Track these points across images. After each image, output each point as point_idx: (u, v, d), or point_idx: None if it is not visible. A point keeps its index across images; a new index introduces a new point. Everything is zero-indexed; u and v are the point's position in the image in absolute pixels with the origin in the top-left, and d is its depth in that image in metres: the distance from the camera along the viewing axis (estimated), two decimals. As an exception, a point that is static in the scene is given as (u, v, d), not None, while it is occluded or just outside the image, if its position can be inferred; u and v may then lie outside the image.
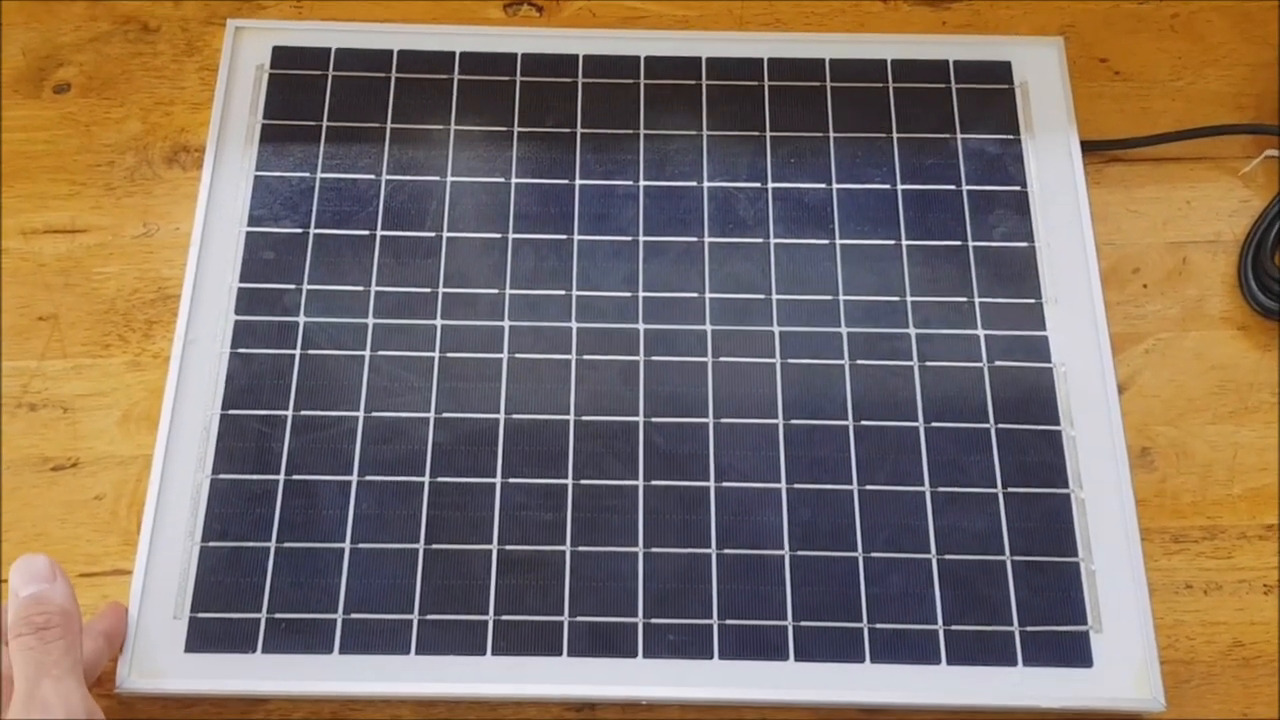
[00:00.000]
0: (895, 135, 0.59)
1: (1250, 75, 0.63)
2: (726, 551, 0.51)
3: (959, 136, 0.59)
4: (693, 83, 0.60)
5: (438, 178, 0.58)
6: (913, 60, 0.61)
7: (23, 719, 0.41)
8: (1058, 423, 0.53)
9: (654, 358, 0.55)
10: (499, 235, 0.57)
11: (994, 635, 0.50)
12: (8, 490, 0.53)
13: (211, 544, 0.51)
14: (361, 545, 0.51)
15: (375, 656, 0.49)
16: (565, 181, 0.58)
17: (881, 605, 0.50)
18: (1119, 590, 0.51)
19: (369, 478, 0.52)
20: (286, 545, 0.51)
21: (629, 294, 0.56)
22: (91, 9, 0.63)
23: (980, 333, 0.55)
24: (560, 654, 0.49)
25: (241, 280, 0.56)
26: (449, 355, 0.54)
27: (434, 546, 0.51)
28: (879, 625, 0.50)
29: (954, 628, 0.50)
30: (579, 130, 0.59)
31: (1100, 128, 0.61)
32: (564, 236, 0.57)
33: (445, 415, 0.53)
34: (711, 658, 0.50)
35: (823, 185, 0.58)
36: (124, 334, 0.56)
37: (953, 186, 0.58)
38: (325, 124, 0.59)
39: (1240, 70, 0.63)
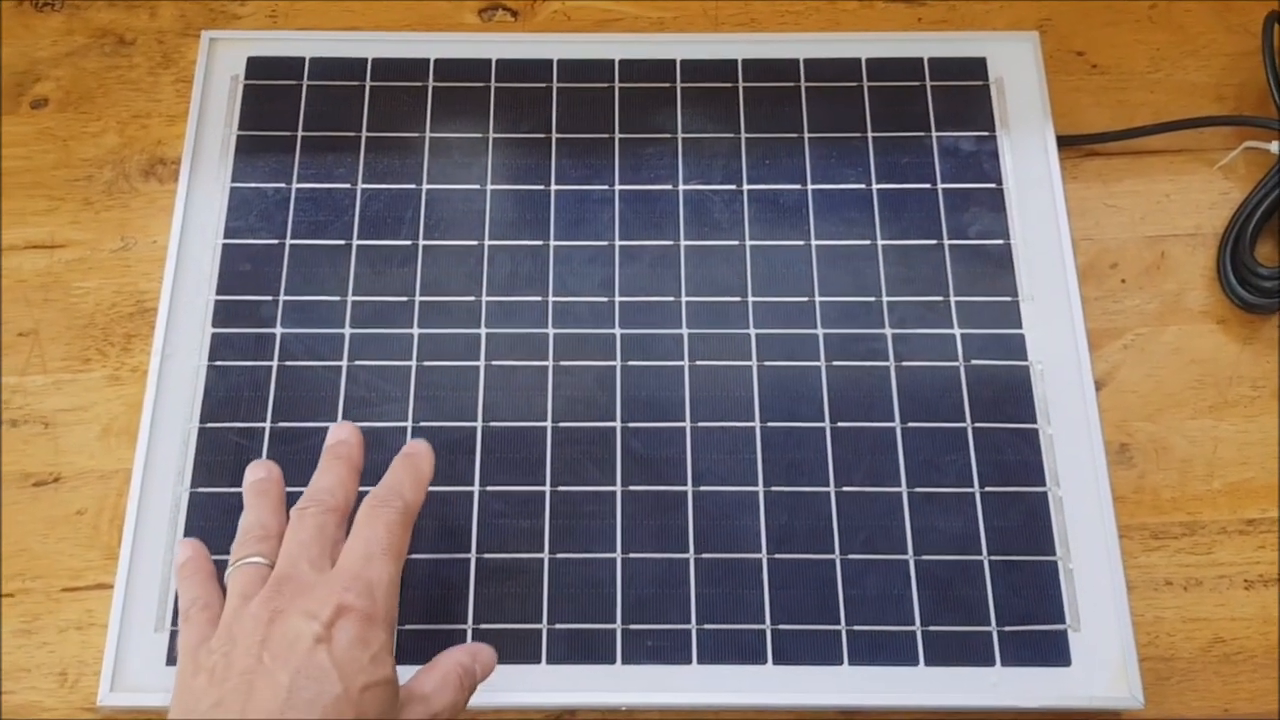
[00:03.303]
0: (870, 134, 0.59)
1: (1230, 65, 0.62)
2: (704, 556, 0.51)
3: (934, 134, 0.59)
4: (667, 85, 0.60)
5: (413, 186, 0.58)
6: (887, 58, 0.60)
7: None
8: (1035, 421, 0.53)
9: (631, 362, 0.55)
10: (475, 242, 0.57)
11: (972, 635, 0.50)
12: (-10, 506, 0.54)
13: (192, 557, 0.51)
14: (339, 556, 0.51)
15: (354, 667, 0.49)
16: (541, 187, 0.58)
17: (859, 607, 0.50)
18: (1097, 588, 0.51)
19: (347, 488, 0.52)
20: (265, 557, 0.51)
21: (605, 299, 0.56)
22: (68, 23, 0.63)
23: (956, 331, 0.55)
24: (539, 661, 0.50)
25: (218, 293, 0.56)
26: (426, 364, 0.55)
27: (412, 556, 0.50)
28: (857, 627, 0.50)
29: (932, 628, 0.50)
30: (554, 135, 0.59)
31: (1078, 121, 0.61)
32: (540, 242, 0.57)
33: (423, 424, 0.53)
34: (690, 663, 0.50)
35: (798, 186, 0.58)
36: (103, 348, 0.56)
37: (928, 185, 0.58)
38: (300, 134, 0.59)
39: (1220, 60, 0.63)
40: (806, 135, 0.59)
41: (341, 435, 0.48)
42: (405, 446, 0.48)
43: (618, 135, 0.59)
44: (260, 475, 0.47)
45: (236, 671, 0.39)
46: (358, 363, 0.55)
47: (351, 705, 0.39)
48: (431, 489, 0.52)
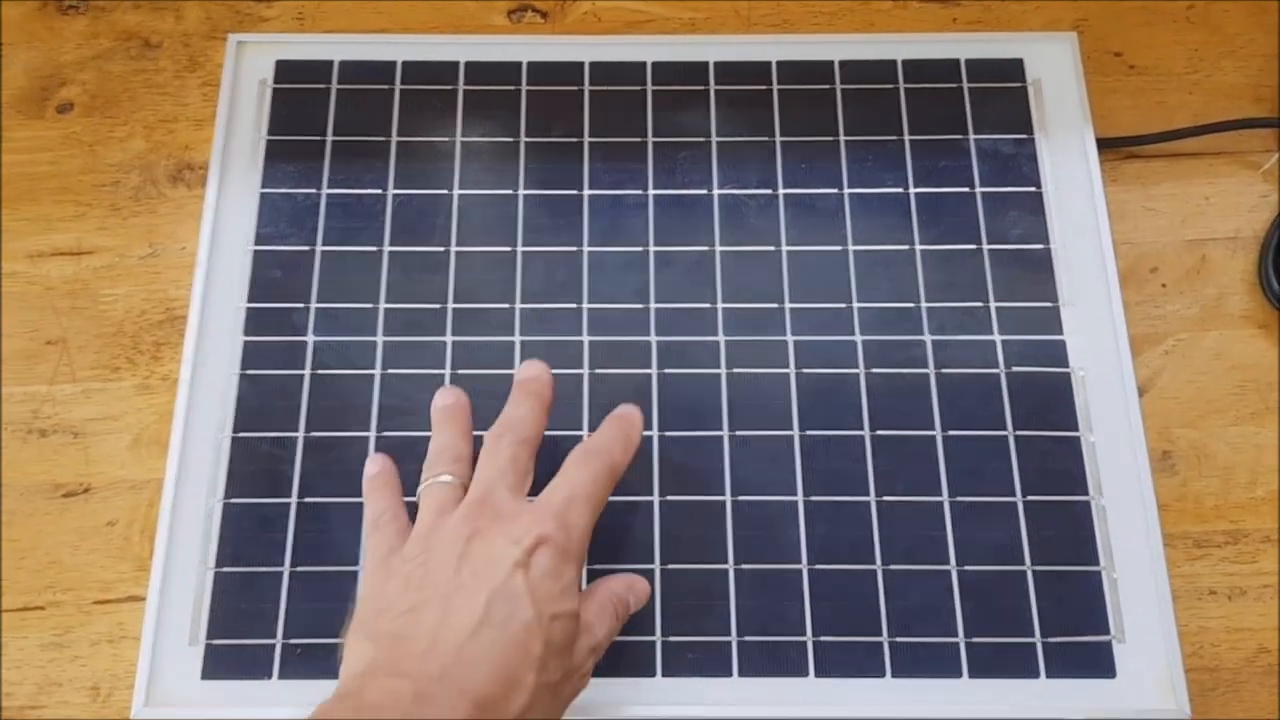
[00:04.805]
0: (907, 137, 0.58)
1: (1268, 66, 0.62)
2: (744, 567, 0.51)
3: (971, 137, 0.58)
4: (700, 88, 0.59)
5: (445, 191, 0.57)
6: (923, 60, 0.60)
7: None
8: (1077, 428, 0.53)
9: (667, 370, 0.54)
10: (508, 248, 0.56)
11: (1016, 647, 0.49)
12: (21, 518, 0.53)
13: (225, 569, 0.51)
14: (376, 568, 0.50)
15: (392, 681, 0.49)
16: (574, 192, 0.57)
17: (901, 618, 0.50)
18: (1142, 598, 0.50)
19: (382, 499, 0.51)
20: (300, 569, 0.50)
21: (641, 306, 0.55)
22: (93, 26, 0.62)
23: (997, 338, 0.54)
24: (578, 675, 0.49)
25: (249, 300, 0.55)
26: (460, 372, 0.54)
27: (449, 568, 0.50)
28: (899, 639, 0.50)
29: (975, 640, 0.49)
30: (586, 139, 0.58)
31: (1116, 123, 0.60)
32: (574, 248, 0.56)
33: (457, 433, 0.53)
34: (731, 675, 0.49)
35: (834, 190, 0.57)
36: (132, 356, 0.55)
37: (966, 189, 0.57)
38: (330, 138, 0.58)
39: (1258, 61, 0.62)
40: (842, 138, 0.58)
41: (533, 372, 0.48)
42: (618, 409, 0.48)
43: (651, 139, 0.58)
44: (449, 401, 0.48)
45: (434, 582, 0.41)
46: (391, 371, 0.54)
47: (540, 631, 0.40)
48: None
